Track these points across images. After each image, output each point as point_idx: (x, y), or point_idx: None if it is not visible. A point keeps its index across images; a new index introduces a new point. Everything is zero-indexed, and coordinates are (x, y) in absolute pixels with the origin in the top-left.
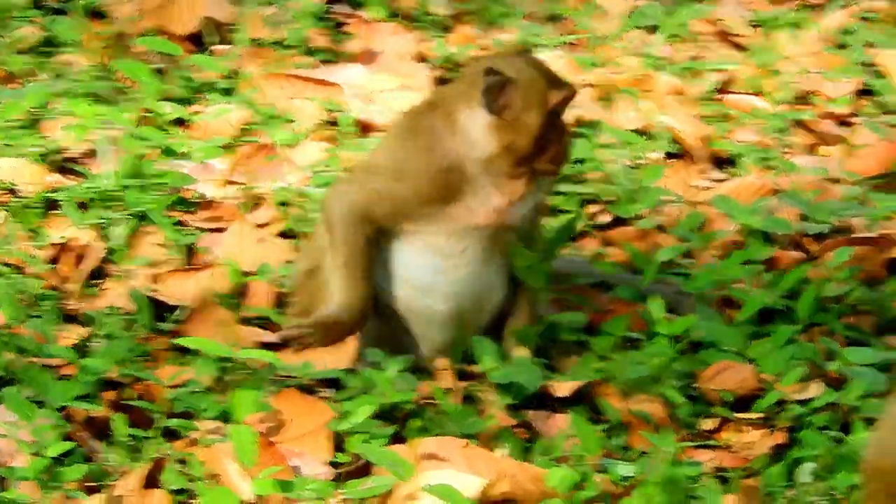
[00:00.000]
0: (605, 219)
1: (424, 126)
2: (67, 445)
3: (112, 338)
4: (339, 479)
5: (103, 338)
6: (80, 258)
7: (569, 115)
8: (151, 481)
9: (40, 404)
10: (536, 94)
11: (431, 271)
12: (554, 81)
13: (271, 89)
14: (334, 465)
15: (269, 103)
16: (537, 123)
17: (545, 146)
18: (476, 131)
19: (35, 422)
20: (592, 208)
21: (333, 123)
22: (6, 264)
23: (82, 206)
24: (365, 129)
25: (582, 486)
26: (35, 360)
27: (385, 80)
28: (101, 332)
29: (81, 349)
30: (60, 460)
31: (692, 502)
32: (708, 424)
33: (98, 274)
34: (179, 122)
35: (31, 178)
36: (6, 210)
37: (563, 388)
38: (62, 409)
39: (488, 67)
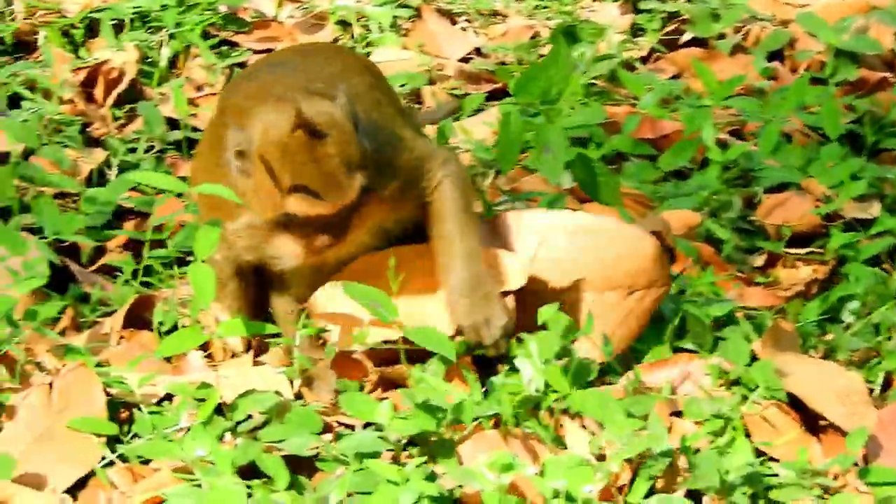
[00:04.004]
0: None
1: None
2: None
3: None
4: None
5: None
6: (115, 82)
7: None
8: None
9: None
10: (271, 186)
11: None
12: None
13: None
14: None
15: None
16: (271, 217)
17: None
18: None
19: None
20: (671, 26)
21: None
22: (31, 88)
23: (120, 27)
24: None
25: None
26: (45, 189)
27: None
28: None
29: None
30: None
31: (720, 343)
32: (758, 261)
33: (132, 98)
34: None
35: None
36: (49, 30)
37: None
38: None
39: (298, 112)
